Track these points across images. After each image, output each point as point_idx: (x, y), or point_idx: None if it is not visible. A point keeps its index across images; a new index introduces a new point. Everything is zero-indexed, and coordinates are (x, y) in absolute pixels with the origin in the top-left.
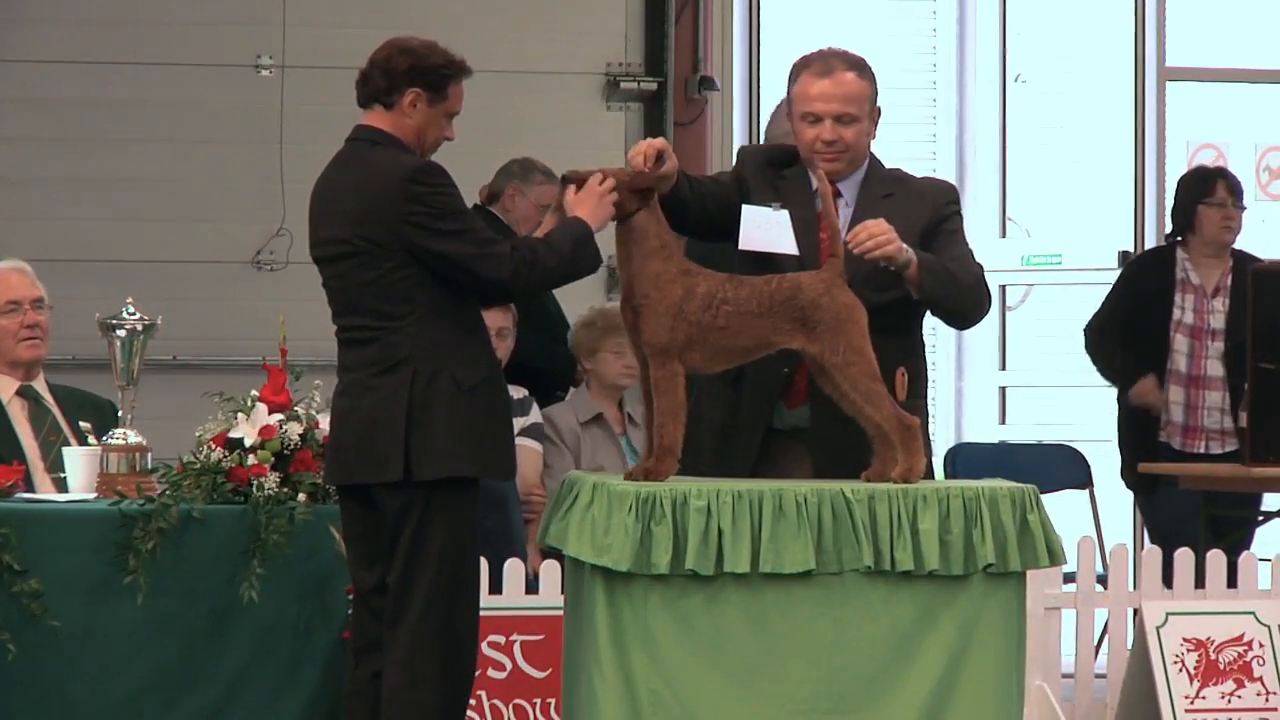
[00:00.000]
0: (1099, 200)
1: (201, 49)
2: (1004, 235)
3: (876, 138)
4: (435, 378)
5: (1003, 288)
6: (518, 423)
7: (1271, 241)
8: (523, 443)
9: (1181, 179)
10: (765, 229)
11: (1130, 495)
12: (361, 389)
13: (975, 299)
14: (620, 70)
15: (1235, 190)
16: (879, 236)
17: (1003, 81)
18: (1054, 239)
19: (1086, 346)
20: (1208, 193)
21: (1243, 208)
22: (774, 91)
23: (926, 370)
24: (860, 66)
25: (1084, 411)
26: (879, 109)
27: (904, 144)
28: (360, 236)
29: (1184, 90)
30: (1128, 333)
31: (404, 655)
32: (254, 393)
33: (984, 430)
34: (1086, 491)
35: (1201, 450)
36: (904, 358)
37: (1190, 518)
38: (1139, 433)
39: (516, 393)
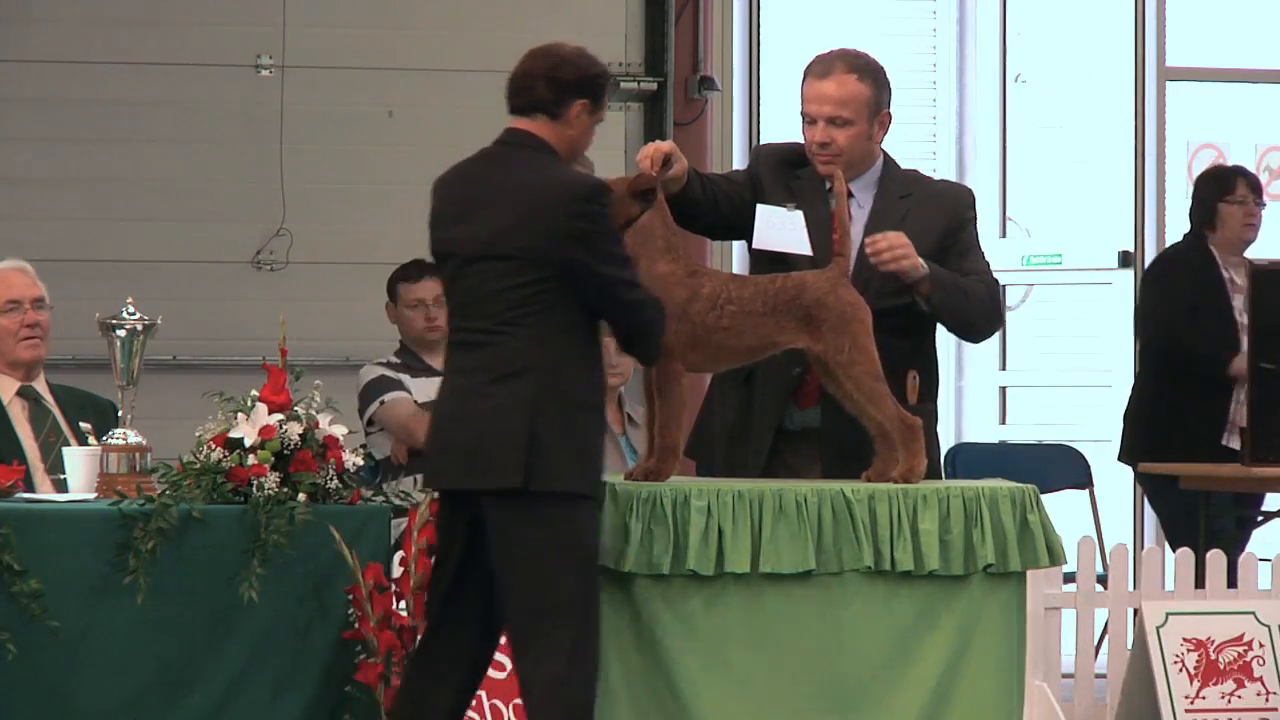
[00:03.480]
0: (1099, 200)
1: (201, 49)
2: (1004, 235)
3: (882, 140)
4: (555, 392)
5: (1003, 288)
6: None
7: (1271, 241)
8: None
9: (1200, 176)
10: (779, 229)
11: (1130, 495)
12: (475, 394)
13: (986, 315)
14: (620, 70)
15: (1255, 188)
16: (897, 249)
17: (1003, 81)
18: (1054, 239)
19: (1167, 340)
20: (1229, 190)
21: (1262, 204)
22: (774, 91)
23: (939, 373)
24: (863, 69)
25: (1084, 411)
26: (888, 113)
27: (904, 144)
28: (515, 243)
29: (1184, 90)
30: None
31: (551, 671)
32: (254, 393)
33: (984, 430)
34: (1086, 491)
35: None
36: (916, 360)
37: (1196, 523)
38: (1152, 429)
39: None
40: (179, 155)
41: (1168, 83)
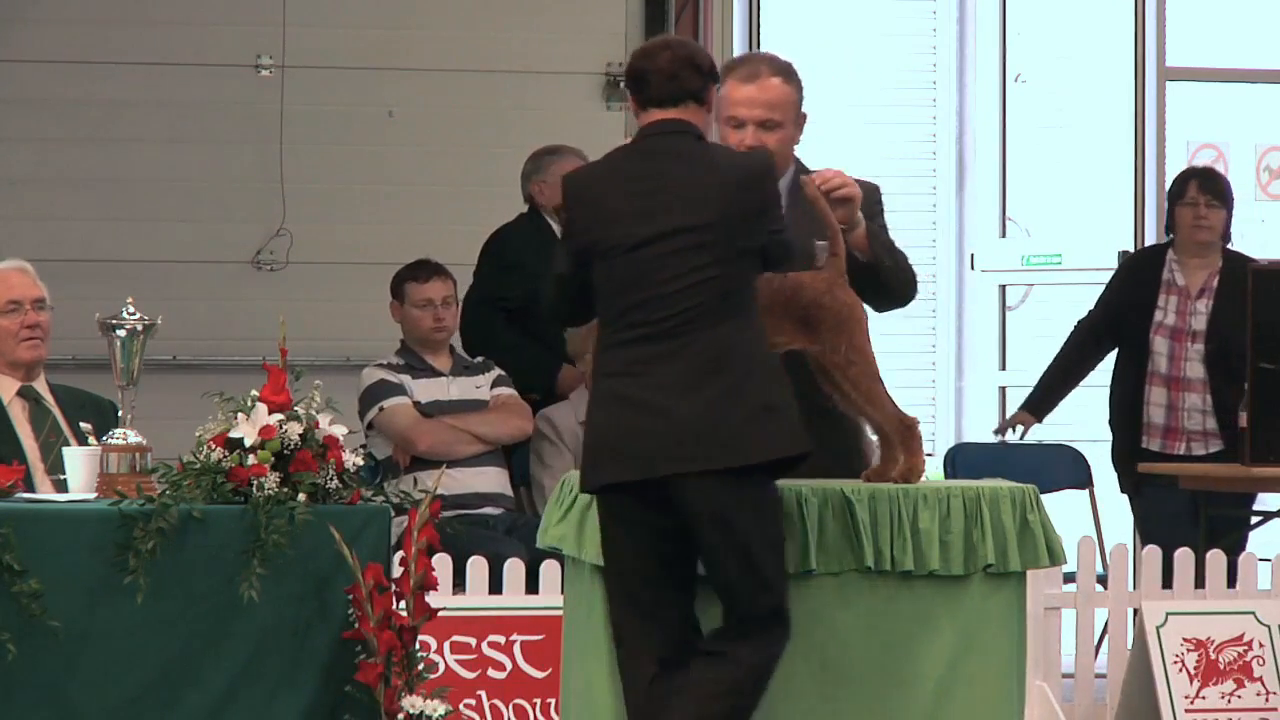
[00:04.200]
0: (1099, 200)
1: (201, 49)
2: (1004, 235)
3: (800, 142)
4: (767, 364)
5: (1003, 288)
6: (489, 377)
7: (1271, 241)
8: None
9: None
10: None
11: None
12: (684, 385)
13: (910, 278)
14: (620, 70)
15: (1210, 189)
16: (845, 177)
17: (1003, 81)
18: (1054, 239)
19: (1067, 339)
20: (1181, 193)
21: (1219, 205)
22: None
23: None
24: (787, 72)
25: (1084, 411)
26: (805, 115)
27: (904, 144)
28: (716, 233)
29: (1184, 90)
30: (1116, 333)
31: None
32: (254, 393)
33: (984, 430)
34: (1086, 491)
35: (1183, 451)
36: None
37: (1175, 518)
38: (1124, 434)
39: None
40: (179, 155)
41: (1168, 83)
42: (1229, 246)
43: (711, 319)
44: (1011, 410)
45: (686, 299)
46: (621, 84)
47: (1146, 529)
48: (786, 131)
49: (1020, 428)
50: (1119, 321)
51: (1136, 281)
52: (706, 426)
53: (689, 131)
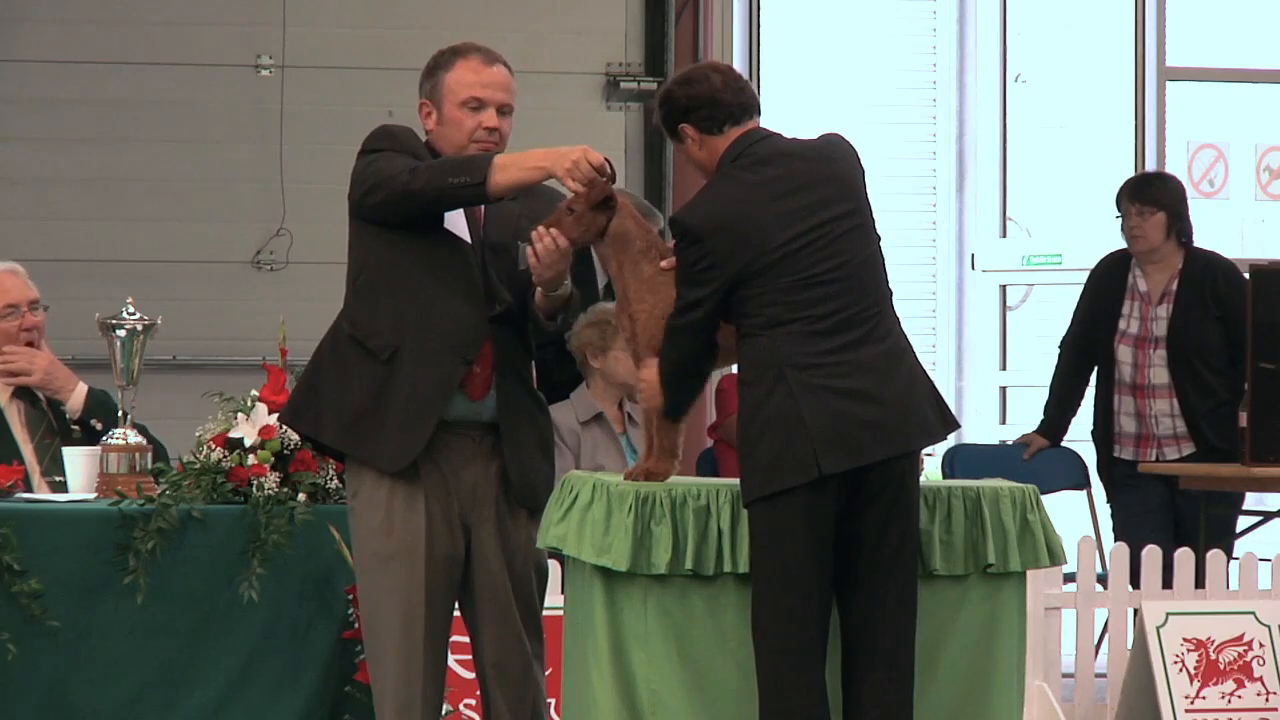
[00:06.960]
0: (1099, 200)
1: (201, 49)
2: (1004, 235)
3: None
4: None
5: (1003, 288)
6: None
7: (1271, 241)
8: None
9: None
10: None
11: None
12: (884, 368)
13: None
14: (620, 70)
15: (1140, 196)
16: (565, 248)
17: (1003, 81)
18: (1054, 239)
19: (1057, 361)
20: (1119, 206)
21: (1153, 210)
22: (774, 92)
23: None
24: (508, 65)
25: (1084, 412)
26: None
27: (904, 144)
28: (860, 211)
29: (1184, 90)
30: (1094, 345)
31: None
32: (254, 393)
33: (984, 430)
34: (1085, 492)
35: (1155, 458)
36: None
37: (1147, 519)
38: (1102, 445)
39: None
40: (179, 155)
41: (1168, 83)
42: (1193, 244)
43: (882, 301)
44: (1013, 414)
45: (861, 284)
46: (621, 84)
47: (1120, 529)
48: (510, 121)
49: (1031, 446)
50: (1093, 334)
51: (1103, 292)
52: (911, 407)
53: (774, 134)
